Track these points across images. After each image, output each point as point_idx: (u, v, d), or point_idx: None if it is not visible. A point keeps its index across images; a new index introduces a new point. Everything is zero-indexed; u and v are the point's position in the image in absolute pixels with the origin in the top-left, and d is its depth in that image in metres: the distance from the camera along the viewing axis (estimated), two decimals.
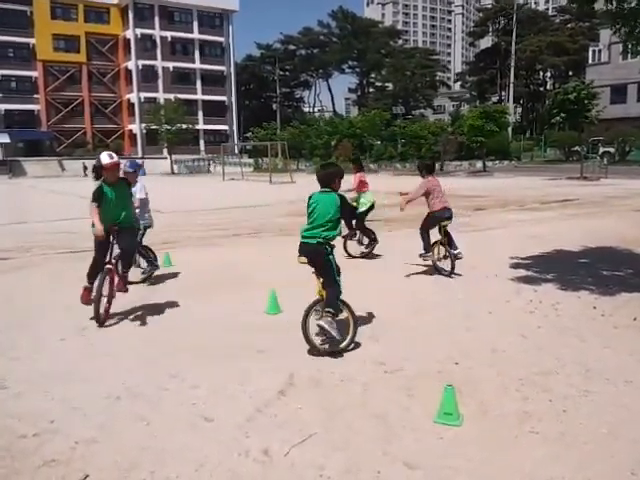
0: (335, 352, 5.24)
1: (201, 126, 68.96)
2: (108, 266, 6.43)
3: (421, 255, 8.58)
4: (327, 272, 5.37)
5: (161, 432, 3.89)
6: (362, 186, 10.48)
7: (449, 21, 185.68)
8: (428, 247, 8.49)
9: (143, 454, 3.59)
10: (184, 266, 9.60)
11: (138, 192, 8.09)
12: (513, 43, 62.40)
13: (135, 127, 67.55)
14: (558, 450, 3.59)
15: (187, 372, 4.92)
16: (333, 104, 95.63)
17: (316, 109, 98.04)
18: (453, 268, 8.45)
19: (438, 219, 8.26)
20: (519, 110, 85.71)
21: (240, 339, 5.77)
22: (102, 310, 6.34)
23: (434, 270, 8.73)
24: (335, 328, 5.16)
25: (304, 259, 5.39)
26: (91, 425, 3.98)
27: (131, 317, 6.67)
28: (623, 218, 15.08)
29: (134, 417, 4.10)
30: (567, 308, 6.71)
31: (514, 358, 5.18)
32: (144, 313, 6.70)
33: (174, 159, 57.23)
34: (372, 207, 10.56)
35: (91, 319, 6.36)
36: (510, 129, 54.48)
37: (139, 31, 66.62)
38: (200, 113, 69.87)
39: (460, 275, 8.53)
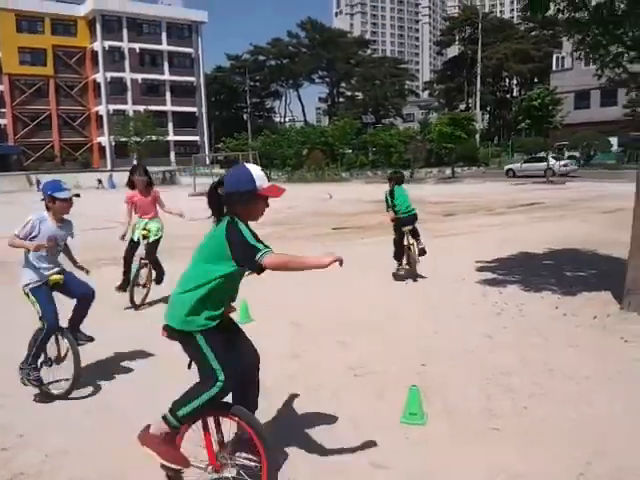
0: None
1: (171, 137, 68.51)
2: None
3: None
4: (416, 228, 8.96)
5: (131, 443, 3.90)
6: (151, 209, 7.66)
7: (417, 30, 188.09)
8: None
9: (112, 465, 3.61)
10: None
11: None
12: (479, 51, 63.53)
13: (104, 140, 66.71)
14: (522, 447, 3.71)
15: (158, 385, 4.93)
16: (304, 114, 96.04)
17: (287, 119, 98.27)
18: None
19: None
20: (487, 117, 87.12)
21: None
22: None
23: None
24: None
25: (410, 227, 8.87)
26: (62, 438, 3.97)
27: (103, 329, 6.63)
28: (587, 220, 15.47)
29: (104, 429, 4.11)
30: (531, 309, 6.90)
31: (480, 359, 5.31)
32: (115, 326, 6.67)
33: None
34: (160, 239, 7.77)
35: None
36: (478, 136, 55.33)
37: (107, 43, 66.01)
38: (170, 124, 69.41)
39: (428, 279, 8.69)
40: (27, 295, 4.69)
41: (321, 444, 3.79)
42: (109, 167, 63.57)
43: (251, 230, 2.88)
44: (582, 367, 5.03)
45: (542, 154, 39.89)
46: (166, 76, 69.91)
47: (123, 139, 56.24)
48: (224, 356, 2.95)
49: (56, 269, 4.84)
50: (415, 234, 8.96)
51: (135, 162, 52.72)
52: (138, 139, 54.19)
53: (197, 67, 72.48)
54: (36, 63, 64.61)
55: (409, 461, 3.52)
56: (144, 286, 7.65)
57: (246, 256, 2.79)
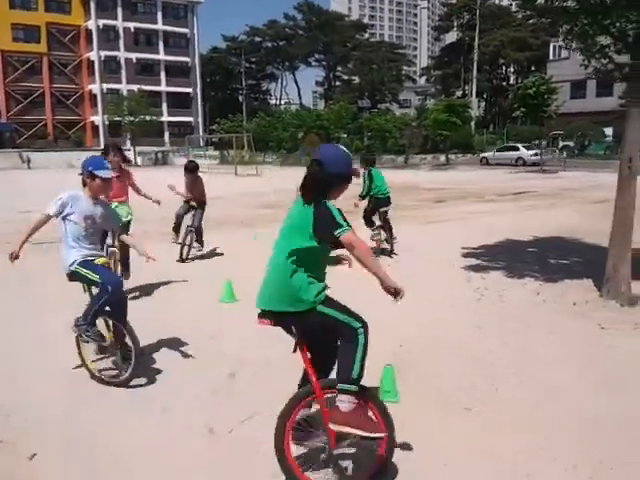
0: None
1: (165, 118, 68.03)
2: None
3: None
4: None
5: (110, 414, 4.01)
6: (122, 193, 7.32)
7: (415, 15, 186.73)
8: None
9: (91, 434, 3.70)
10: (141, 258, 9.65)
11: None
12: (476, 38, 63.23)
13: (97, 119, 66.28)
14: (492, 427, 3.81)
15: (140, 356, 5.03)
16: (300, 97, 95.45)
17: (283, 102, 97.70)
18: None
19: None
20: (483, 105, 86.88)
21: (193, 325, 5.88)
22: None
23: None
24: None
25: (387, 208, 9.64)
26: (41, 408, 4.06)
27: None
28: (577, 210, 15.58)
29: (83, 401, 4.21)
30: (513, 295, 7.00)
31: (462, 343, 5.41)
32: None
33: (138, 151, 56.48)
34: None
35: None
36: (473, 123, 55.28)
37: (101, 22, 65.29)
38: (164, 105, 68.95)
39: (414, 263, 8.80)
40: (76, 272, 4.42)
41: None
42: (102, 147, 63.11)
43: (338, 209, 3.00)
44: (560, 353, 5.14)
45: (536, 142, 40.51)
46: (161, 56, 69.30)
47: (117, 118, 55.86)
48: (346, 309, 3.16)
49: (101, 252, 4.67)
50: (386, 218, 9.77)
51: (127, 140, 52.54)
52: (132, 119, 53.83)
53: (192, 47, 71.86)
54: (29, 40, 63.90)
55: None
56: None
57: (327, 230, 2.94)
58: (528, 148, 40.41)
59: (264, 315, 3.12)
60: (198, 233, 9.63)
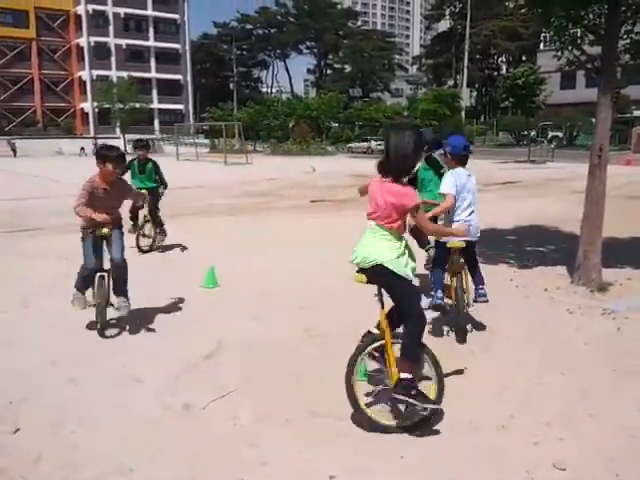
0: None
1: (155, 105, 67.73)
2: None
3: None
4: None
5: (90, 391, 4.17)
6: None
7: (408, 3, 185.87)
8: None
9: (72, 410, 3.87)
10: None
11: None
12: (467, 27, 63.08)
13: (87, 106, 65.87)
14: (457, 400, 4.01)
15: (121, 340, 5.19)
16: (291, 85, 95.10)
17: (274, 90, 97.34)
18: None
19: None
20: (474, 94, 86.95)
21: (174, 310, 6.03)
22: None
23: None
24: None
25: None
26: (26, 386, 4.22)
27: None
28: (560, 199, 15.81)
29: (66, 380, 4.37)
30: (486, 281, 7.16)
31: (429, 324, 5.60)
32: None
33: (127, 139, 56.12)
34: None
35: None
36: (463, 113, 55.41)
37: (91, 7, 64.74)
38: (154, 92, 68.60)
39: None
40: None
41: (270, 394, 4.12)
42: (92, 134, 62.87)
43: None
44: (525, 334, 5.35)
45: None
46: (151, 42, 68.91)
47: (106, 106, 55.50)
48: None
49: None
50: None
51: (117, 127, 51.86)
52: (121, 106, 53.49)
53: (183, 34, 71.49)
54: (18, 25, 63.31)
55: (348, 412, 3.82)
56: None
57: None
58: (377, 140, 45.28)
59: None
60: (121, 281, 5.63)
